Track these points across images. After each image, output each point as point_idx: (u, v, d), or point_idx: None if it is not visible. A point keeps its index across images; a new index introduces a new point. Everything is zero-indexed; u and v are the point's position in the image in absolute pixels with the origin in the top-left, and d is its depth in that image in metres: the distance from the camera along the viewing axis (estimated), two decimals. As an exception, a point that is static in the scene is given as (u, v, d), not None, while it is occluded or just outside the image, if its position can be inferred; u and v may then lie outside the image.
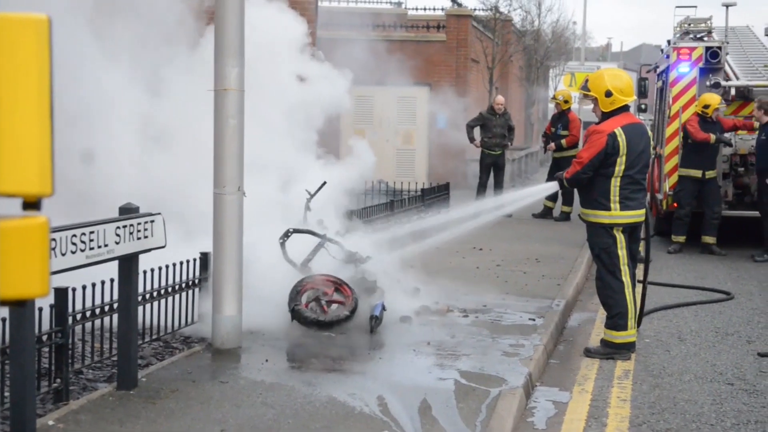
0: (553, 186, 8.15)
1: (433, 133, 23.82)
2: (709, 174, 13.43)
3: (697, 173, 13.44)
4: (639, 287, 8.14)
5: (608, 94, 7.54)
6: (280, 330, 7.71)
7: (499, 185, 17.50)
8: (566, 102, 17.07)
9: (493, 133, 17.29)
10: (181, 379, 6.24)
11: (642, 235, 7.93)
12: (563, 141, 16.79)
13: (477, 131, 17.61)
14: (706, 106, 13.38)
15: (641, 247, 8.06)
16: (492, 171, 17.45)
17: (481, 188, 17.43)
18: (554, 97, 17.87)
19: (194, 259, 7.34)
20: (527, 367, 6.82)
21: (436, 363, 6.90)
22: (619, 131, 7.47)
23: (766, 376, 7.20)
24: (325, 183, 8.96)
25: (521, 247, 13.12)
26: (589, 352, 7.76)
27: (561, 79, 43.40)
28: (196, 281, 7.36)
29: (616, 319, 7.62)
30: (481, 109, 18.97)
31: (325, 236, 8.35)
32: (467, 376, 6.54)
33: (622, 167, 7.47)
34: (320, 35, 16.69)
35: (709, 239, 13.63)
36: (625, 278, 7.60)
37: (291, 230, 8.25)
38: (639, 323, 8.46)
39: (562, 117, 17.05)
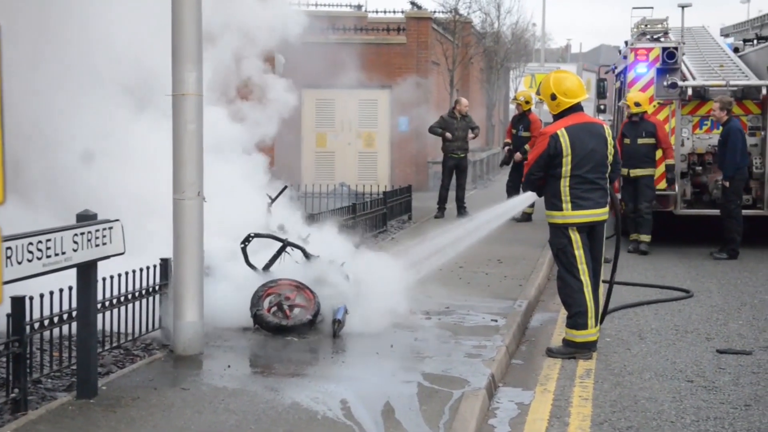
0: (531, 196, 8.19)
1: (395, 135, 23.85)
2: (634, 173, 13.53)
3: (623, 171, 13.53)
4: (604, 287, 8.19)
5: (553, 97, 7.73)
6: (242, 335, 7.68)
7: (461, 187, 17.50)
8: (527, 103, 17.05)
9: (455, 137, 17.27)
10: (143, 386, 6.19)
11: (602, 235, 7.98)
12: (526, 145, 16.78)
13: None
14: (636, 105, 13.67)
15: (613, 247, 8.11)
16: (455, 173, 17.45)
17: (443, 191, 17.41)
18: (515, 98, 17.87)
19: (154, 266, 7.28)
20: (490, 368, 6.84)
21: (400, 366, 6.90)
22: (561, 132, 7.59)
23: (724, 373, 7.28)
24: (286, 187, 8.95)
25: (483, 248, 13.13)
26: (551, 352, 7.81)
27: (521, 80, 43.60)
28: (157, 288, 7.30)
29: (576, 318, 7.68)
30: (442, 112, 18.94)
31: (287, 240, 8.33)
32: (430, 378, 6.55)
33: (569, 167, 7.58)
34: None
35: (637, 236, 13.72)
36: (584, 277, 7.66)
37: (252, 235, 8.22)
38: (601, 321, 8.53)
39: (523, 118, 17.07)
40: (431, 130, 17.76)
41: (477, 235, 9.49)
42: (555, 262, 7.97)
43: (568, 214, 7.64)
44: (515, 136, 17.02)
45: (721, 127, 13.38)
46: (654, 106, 14.12)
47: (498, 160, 31.04)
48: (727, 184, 13.20)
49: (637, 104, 13.70)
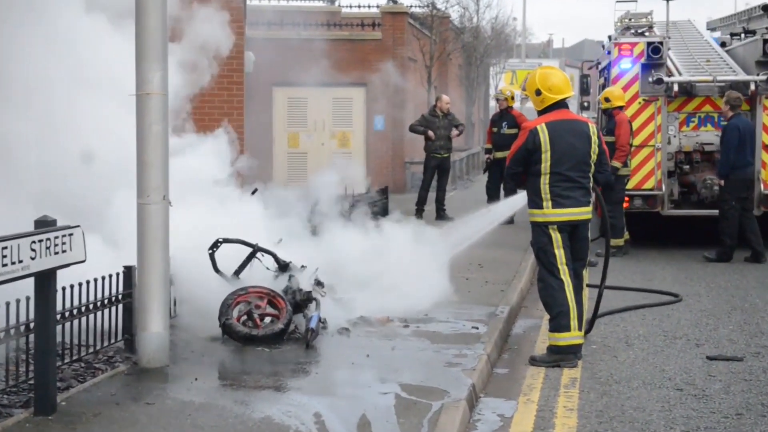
0: (522, 198, 8.26)
1: (371, 135, 23.82)
2: None
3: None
4: (587, 291, 8.21)
5: (538, 92, 7.84)
6: (210, 346, 7.62)
7: (441, 189, 17.46)
8: (512, 98, 17.08)
9: (437, 136, 17.22)
10: (105, 401, 6.12)
11: (586, 235, 7.99)
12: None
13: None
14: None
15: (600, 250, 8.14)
16: (436, 174, 17.44)
17: (423, 192, 17.38)
18: (501, 92, 17.67)
19: (117, 274, 7.20)
20: (470, 378, 6.82)
21: (376, 376, 6.87)
22: (541, 127, 7.67)
23: (715, 381, 7.29)
24: (256, 190, 8.89)
25: (464, 252, 13.14)
26: (534, 361, 7.80)
27: (502, 77, 43.78)
28: (120, 297, 7.22)
29: (558, 320, 7.69)
30: (419, 111, 18.91)
31: (257, 246, 8.27)
32: (408, 389, 6.52)
33: (548, 164, 7.65)
34: (250, 35, 16.57)
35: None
36: (564, 277, 7.70)
37: (221, 240, 8.15)
38: (590, 329, 8.55)
39: (506, 115, 16.91)
40: (412, 129, 17.70)
41: (467, 242, 9.57)
42: (537, 263, 8.01)
43: (549, 213, 7.70)
44: (498, 135, 16.79)
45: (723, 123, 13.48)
46: (639, 102, 14.17)
47: (479, 160, 31.12)
48: (721, 182, 13.26)
49: (607, 99, 13.76)
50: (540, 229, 7.76)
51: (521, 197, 8.47)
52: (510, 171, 7.91)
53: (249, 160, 11.08)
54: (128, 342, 7.23)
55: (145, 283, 6.92)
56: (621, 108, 13.71)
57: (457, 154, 27.75)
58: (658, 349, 8.37)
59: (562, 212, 7.69)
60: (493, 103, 19.26)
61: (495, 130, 16.96)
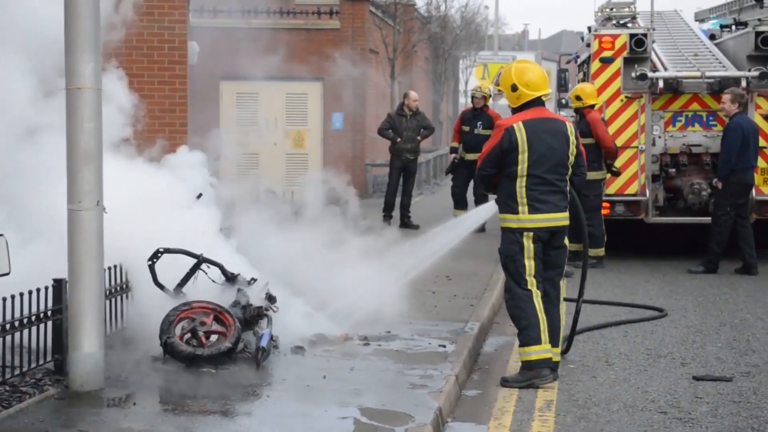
0: (493, 205, 8.33)
1: (328, 134, 23.85)
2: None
3: None
4: (565, 305, 8.30)
5: (514, 88, 7.89)
6: (150, 367, 7.60)
7: (407, 194, 17.48)
8: (490, 97, 17.04)
9: (404, 137, 17.22)
10: (32, 428, 6.09)
11: (563, 242, 8.07)
12: None
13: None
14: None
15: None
16: (402, 176, 17.48)
17: (390, 196, 17.40)
18: (481, 89, 17.57)
19: (46, 288, 7.17)
20: (437, 401, 6.86)
21: (334, 400, 6.89)
22: (518, 125, 7.74)
23: (702, 403, 7.40)
24: (201, 195, 8.88)
25: (428, 265, 13.19)
26: (506, 382, 7.87)
27: (472, 71, 44.02)
28: (49, 313, 7.18)
29: (527, 332, 7.78)
30: (381, 107, 18.96)
31: (202, 256, 8.27)
32: (369, 413, 6.55)
33: (525, 166, 7.72)
34: (194, 24, 16.54)
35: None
36: (532, 288, 7.79)
37: (161, 250, 8.14)
38: (568, 349, 8.64)
39: (482, 114, 16.77)
40: (380, 133, 17.75)
41: (432, 258, 9.59)
42: (504, 272, 8.06)
43: (524, 218, 7.77)
44: (471, 135, 16.73)
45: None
46: (621, 99, 14.32)
47: (447, 162, 31.24)
48: (719, 185, 13.39)
49: (578, 98, 13.87)
50: (512, 236, 7.83)
51: (491, 205, 8.52)
52: (482, 173, 7.96)
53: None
54: (58, 363, 7.20)
55: (77, 298, 6.89)
56: (593, 107, 13.82)
57: (423, 155, 27.88)
58: (641, 368, 8.47)
59: (538, 218, 7.78)
60: (462, 100, 19.22)
61: (467, 129, 16.82)
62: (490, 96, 17.05)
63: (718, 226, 13.37)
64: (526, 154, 7.72)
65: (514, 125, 7.76)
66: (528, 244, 7.78)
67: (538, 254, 7.81)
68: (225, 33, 20.20)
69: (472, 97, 17.43)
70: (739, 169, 13.30)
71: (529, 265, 7.79)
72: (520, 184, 7.76)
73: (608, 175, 13.98)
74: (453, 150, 17.41)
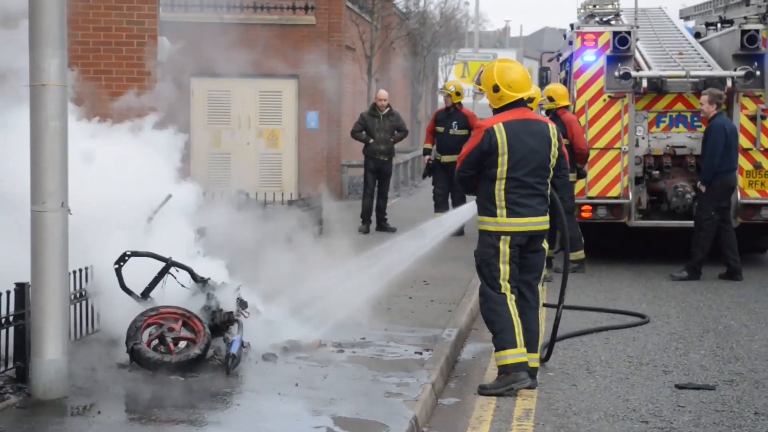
0: (473, 207, 8.37)
1: (303, 133, 23.83)
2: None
3: None
4: (545, 311, 8.33)
5: (495, 89, 7.89)
6: (117, 374, 7.57)
7: (382, 196, 17.44)
8: (458, 94, 16.96)
9: (377, 138, 17.16)
10: (-7, 439, 6.06)
11: (542, 246, 8.10)
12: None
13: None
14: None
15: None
16: (377, 179, 17.41)
17: (367, 200, 17.31)
18: (444, 89, 17.66)
19: (8, 292, 7.13)
20: (412, 410, 6.87)
21: (306, 408, 6.90)
22: (498, 127, 7.76)
23: (684, 411, 7.44)
24: (170, 196, 8.85)
25: (408, 267, 13.20)
26: (484, 389, 7.88)
27: (452, 68, 44.12)
28: (10, 318, 7.15)
29: (501, 336, 7.81)
30: (359, 106, 18.91)
31: (171, 260, 8.25)
32: (342, 422, 6.55)
33: (505, 168, 7.74)
34: (165, 18, 16.49)
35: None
36: (506, 292, 7.83)
37: (128, 253, 8.12)
38: (548, 357, 8.67)
39: (456, 113, 16.79)
40: (353, 135, 17.70)
41: (409, 260, 9.59)
42: (478, 276, 8.08)
43: (503, 221, 7.80)
44: (446, 135, 16.75)
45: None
46: (604, 99, 14.37)
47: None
48: (703, 189, 13.45)
49: (551, 99, 13.88)
50: (489, 239, 7.86)
51: (471, 206, 8.54)
52: (461, 174, 7.99)
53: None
54: (20, 370, 7.15)
55: (40, 303, 6.86)
56: (567, 107, 13.86)
57: (401, 156, 27.89)
58: (622, 376, 8.50)
59: (517, 222, 7.80)
60: (442, 98, 19.13)
61: (441, 129, 16.83)
62: (457, 93, 16.92)
63: (703, 230, 13.42)
64: (506, 156, 7.74)
65: (495, 126, 7.77)
66: (504, 248, 7.81)
67: (514, 258, 7.85)
68: (197, 28, 20.14)
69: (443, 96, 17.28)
70: (722, 172, 13.36)
71: (504, 269, 7.82)
72: (499, 187, 7.79)
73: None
74: (426, 152, 17.41)
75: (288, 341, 8.60)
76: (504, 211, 7.79)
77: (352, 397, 7.20)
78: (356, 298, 9.44)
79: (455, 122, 16.70)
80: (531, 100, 12.63)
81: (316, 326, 9.04)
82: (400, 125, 17.50)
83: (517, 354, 7.80)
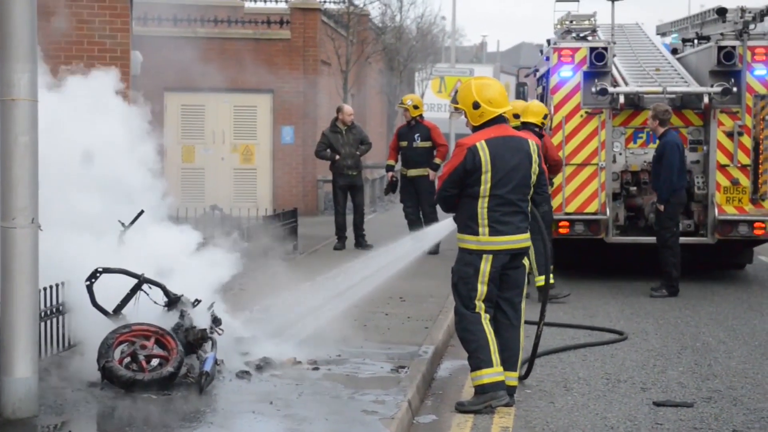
0: (450, 223, 8.34)
1: (278, 149, 23.83)
2: None
3: None
4: (531, 329, 8.33)
5: (476, 105, 7.85)
6: (88, 393, 7.53)
7: (359, 212, 17.28)
8: (416, 108, 16.84)
9: (343, 153, 17.07)
10: (-40, 459, 6.00)
11: (522, 263, 8.10)
12: (436, 159, 16.68)
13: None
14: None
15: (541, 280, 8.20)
16: (349, 194, 17.33)
17: (340, 217, 17.21)
18: (401, 103, 17.55)
19: (-23, 309, 7.08)
20: (388, 429, 6.86)
21: (281, 427, 6.88)
22: (481, 145, 7.74)
23: (662, 429, 7.46)
24: (142, 212, 8.82)
25: (384, 284, 13.20)
26: (462, 406, 7.88)
27: (429, 84, 44.21)
28: (-20, 336, 7.09)
29: (477, 354, 7.81)
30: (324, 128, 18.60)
31: (143, 276, 8.21)
32: (317, 441, 6.54)
33: (488, 185, 7.73)
34: (137, 32, 16.48)
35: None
36: (481, 312, 7.83)
37: (100, 270, 8.08)
38: (528, 373, 8.67)
39: (417, 126, 16.74)
40: (318, 155, 17.55)
41: (385, 273, 9.57)
42: (453, 295, 8.06)
43: (484, 240, 7.78)
44: (410, 149, 16.71)
45: (657, 141, 13.73)
46: (581, 115, 14.43)
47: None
48: (662, 208, 13.54)
49: (516, 116, 13.83)
50: (468, 258, 7.84)
51: (449, 222, 8.54)
52: (443, 194, 7.93)
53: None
54: (-11, 389, 7.10)
55: (10, 321, 6.80)
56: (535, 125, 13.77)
57: (378, 171, 27.93)
58: (600, 393, 8.52)
59: (499, 240, 7.78)
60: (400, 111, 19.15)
61: (404, 144, 16.82)
62: (414, 106, 16.86)
63: (669, 248, 13.48)
64: (489, 174, 7.71)
65: (477, 144, 7.74)
66: (485, 268, 7.78)
67: (493, 278, 7.82)
68: (170, 42, 20.13)
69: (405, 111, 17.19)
70: (678, 188, 13.48)
71: (481, 290, 7.81)
72: (482, 205, 7.76)
73: None
74: (389, 168, 17.39)
75: (262, 359, 8.57)
76: (486, 230, 7.76)
77: (327, 415, 7.18)
78: (332, 314, 9.44)
79: (417, 134, 16.74)
80: (517, 116, 12.74)
81: (291, 344, 9.02)
82: (363, 138, 17.42)
83: (493, 373, 7.79)
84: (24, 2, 6.76)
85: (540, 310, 8.65)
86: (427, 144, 16.67)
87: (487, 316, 7.84)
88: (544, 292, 8.74)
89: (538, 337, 8.70)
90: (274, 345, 8.87)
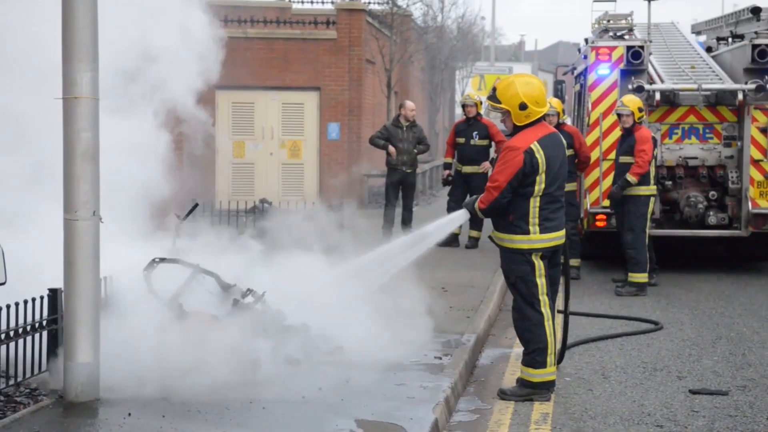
0: (463, 215, 8.21)
1: (324, 144, 23.88)
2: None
3: None
4: (559, 318, 8.30)
5: (523, 106, 7.56)
6: (147, 378, 7.57)
7: (408, 208, 17.00)
8: (481, 104, 16.72)
9: (400, 149, 16.81)
10: (27, 439, 6.09)
11: (560, 259, 8.07)
12: (494, 154, 16.43)
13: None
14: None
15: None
16: (401, 190, 17.07)
17: (389, 209, 16.98)
18: (470, 97, 17.05)
19: (41, 297, 7.17)
20: (433, 414, 6.87)
21: (329, 411, 6.89)
22: (536, 146, 7.53)
23: (698, 416, 7.41)
24: (197, 205, 8.90)
25: (425, 274, 13.15)
26: (504, 394, 7.86)
27: (469, 81, 44.13)
28: (44, 323, 7.19)
29: (533, 356, 7.73)
30: (378, 117, 18.74)
31: (198, 266, 8.28)
32: (364, 425, 6.56)
33: (543, 186, 7.57)
34: (191, 32, 16.53)
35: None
36: (545, 309, 7.70)
37: (157, 260, 8.15)
38: (561, 359, 8.63)
39: (476, 124, 16.45)
40: (372, 141, 17.18)
41: (399, 263, 9.38)
42: (511, 292, 7.97)
43: (536, 238, 7.64)
44: (467, 146, 16.43)
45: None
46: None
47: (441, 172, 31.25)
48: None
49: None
50: (522, 257, 7.64)
51: (462, 214, 8.30)
52: (502, 201, 7.57)
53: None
54: (54, 373, 7.19)
55: (73, 308, 6.89)
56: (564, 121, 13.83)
57: (420, 166, 27.84)
58: (637, 381, 8.48)
59: (549, 237, 7.66)
60: (459, 111, 18.97)
61: (462, 141, 16.56)
62: (480, 103, 16.84)
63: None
64: (544, 175, 7.54)
65: (533, 146, 7.51)
66: (538, 263, 7.65)
67: (547, 271, 7.74)
68: (221, 41, 20.18)
69: (463, 107, 16.96)
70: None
71: (541, 283, 7.65)
72: (534, 204, 7.58)
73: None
74: (447, 166, 16.98)
75: (311, 346, 8.58)
76: (537, 228, 7.60)
77: (374, 400, 7.19)
78: (374, 305, 9.41)
79: (476, 132, 16.38)
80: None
81: (337, 331, 9.02)
82: (422, 138, 17.10)
83: (545, 374, 7.75)
84: (86, 4, 6.83)
85: (564, 298, 8.53)
86: (485, 142, 16.35)
87: (550, 315, 7.70)
88: (566, 281, 8.54)
89: (566, 325, 8.57)
90: (323, 332, 8.86)
